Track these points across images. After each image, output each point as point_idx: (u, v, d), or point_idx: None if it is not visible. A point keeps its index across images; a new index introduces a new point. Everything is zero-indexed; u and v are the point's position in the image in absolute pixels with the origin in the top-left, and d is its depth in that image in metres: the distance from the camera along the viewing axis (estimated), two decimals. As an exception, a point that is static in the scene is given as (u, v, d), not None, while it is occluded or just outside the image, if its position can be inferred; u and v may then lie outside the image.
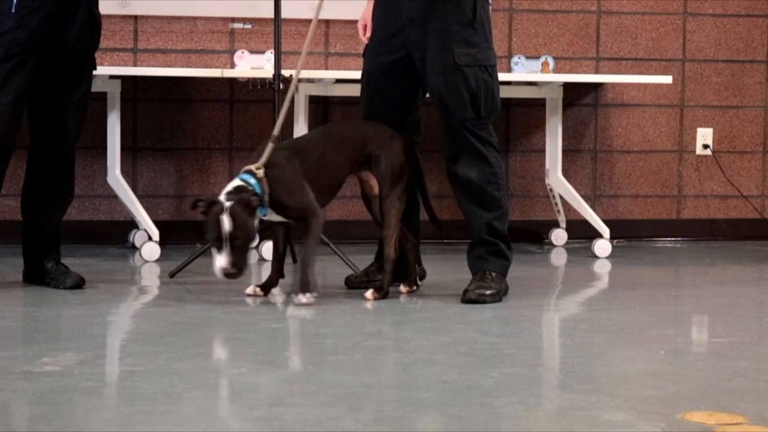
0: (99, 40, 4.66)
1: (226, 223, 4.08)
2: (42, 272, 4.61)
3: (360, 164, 4.41)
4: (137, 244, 5.74)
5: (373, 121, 4.49)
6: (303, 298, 4.20)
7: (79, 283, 4.54)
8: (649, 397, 2.98)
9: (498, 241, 4.43)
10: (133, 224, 5.92)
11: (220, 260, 4.11)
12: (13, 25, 4.39)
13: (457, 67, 4.34)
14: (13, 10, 4.38)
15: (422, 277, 4.71)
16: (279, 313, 4.26)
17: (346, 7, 5.77)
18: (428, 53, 4.36)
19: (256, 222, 4.18)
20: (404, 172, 4.40)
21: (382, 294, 4.38)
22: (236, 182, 4.19)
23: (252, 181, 4.19)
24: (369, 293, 4.38)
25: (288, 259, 5.48)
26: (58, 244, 4.68)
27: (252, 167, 4.22)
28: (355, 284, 4.62)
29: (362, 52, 4.63)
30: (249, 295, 4.40)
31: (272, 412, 2.78)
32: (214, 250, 4.14)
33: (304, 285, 4.21)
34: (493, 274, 4.41)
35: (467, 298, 4.31)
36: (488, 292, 4.34)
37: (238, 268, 4.11)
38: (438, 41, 4.35)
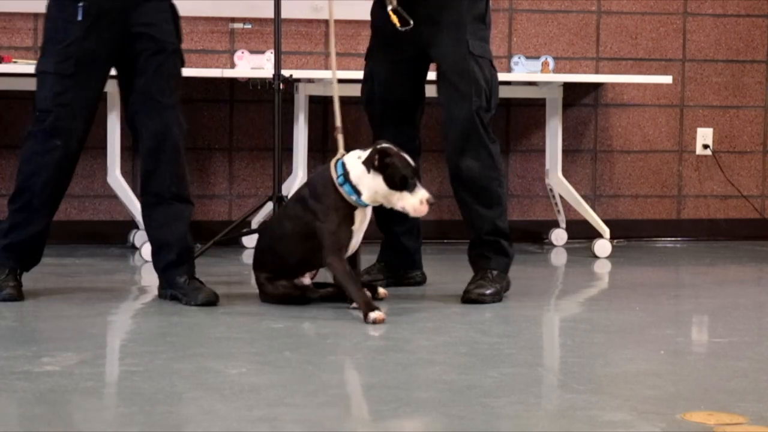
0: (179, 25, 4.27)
1: (411, 159, 4.07)
2: (173, 287, 4.25)
3: None
4: (137, 244, 5.73)
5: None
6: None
7: (213, 300, 4.17)
8: (649, 397, 2.98)
9: (499, 238, 4.43)
10: (133, 224, 5.92)
11: (422, 192, 4.02)
12: (81, 35, 4.05)
13: (473, 56, 4.38)
14: (79, 18, 4.04)
15: (422, 281, 4.73)
16: (279, 313, 4.26)
17: (346, 7, 5.76)
18: (442, 46, 4.39)
19: None
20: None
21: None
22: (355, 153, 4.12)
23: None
24: (382, 291, 4.38)
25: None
26: (190, 258, 4.30)
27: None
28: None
29: (365, 54, 4.63)
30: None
31: (272, 412, 2.78)
32: (403, 195, 4.02)
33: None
34: (494, 272, 4.40)
35: (467, 298, 4.32)
36: (488, 291, 4.34)
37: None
38: (452, 33, 4.38)
